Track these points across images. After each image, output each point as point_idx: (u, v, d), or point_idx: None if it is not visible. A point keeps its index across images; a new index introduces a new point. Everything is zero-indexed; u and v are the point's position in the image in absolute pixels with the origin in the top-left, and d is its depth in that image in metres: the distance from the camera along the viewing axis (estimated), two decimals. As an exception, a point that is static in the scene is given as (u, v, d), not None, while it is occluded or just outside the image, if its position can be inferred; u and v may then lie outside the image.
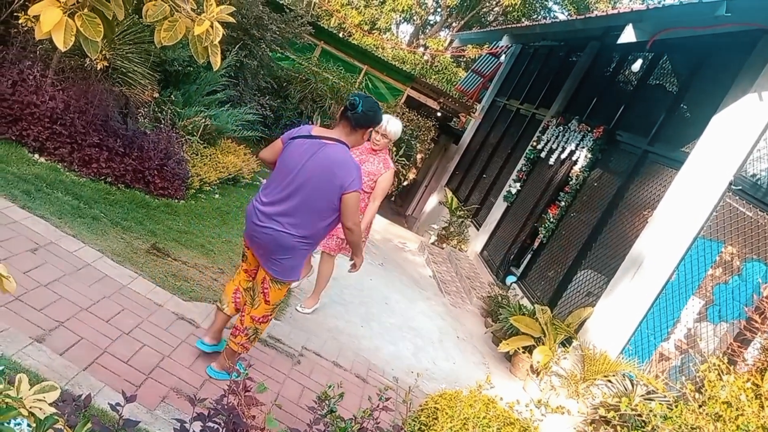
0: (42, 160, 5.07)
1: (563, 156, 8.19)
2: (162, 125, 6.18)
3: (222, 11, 4.88)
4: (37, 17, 4.29)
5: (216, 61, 4.97)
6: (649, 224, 5.93)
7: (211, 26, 4.89)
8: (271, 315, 3.50)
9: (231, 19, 4.78)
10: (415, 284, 7.60)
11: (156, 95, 6.65)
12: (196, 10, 4.87)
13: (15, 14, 5.67)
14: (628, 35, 6.04)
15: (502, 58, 12.80)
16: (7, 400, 1.27)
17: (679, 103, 6.63)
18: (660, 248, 5.65)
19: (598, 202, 7.17)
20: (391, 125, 4.87)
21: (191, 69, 7.34)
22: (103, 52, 5.74)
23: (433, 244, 9.87)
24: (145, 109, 6.49)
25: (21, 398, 1.31)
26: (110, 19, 4.59)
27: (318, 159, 3.26)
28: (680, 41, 6.38)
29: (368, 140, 4.80)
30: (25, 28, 5.64)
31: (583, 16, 8.05)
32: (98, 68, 5.74)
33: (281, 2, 11.43)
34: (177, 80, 7.28)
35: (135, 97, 6.21)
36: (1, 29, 5.79)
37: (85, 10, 4.53)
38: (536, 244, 7.89)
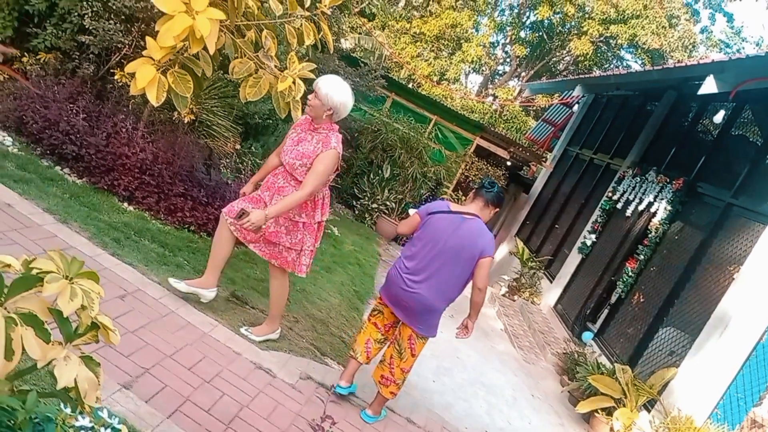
0: (131, 208, 5.33)
1: (641, 208, 7.97)
2: (243, 176, 6.41)
3: (304, 68, 5.02)
4: (132, 74, 4.54)
5: (297, 116, 5.11)
6: (735, 281, 5.64)
7: (294, 83, 5.05)
8: (414, 363, 4.07)
9: (312, 76, 4.92)
10: (486, 337, 7.45)
11: (238, 147, 6.93)
12: (279, 67, 5.04)
13: (111, 71, 6.09)
14: (708, 86, 5.90)
15: (575, 107, 12.68)
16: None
17: (765, 154, 6.37)
18: (749, 307, 5.36)
19: (679, 256, 6.90)
20: (323, 83, 3.93)
21: (270, 122, 7.63)
22: (190, 106, 6.06)
23: (503, 295, 9.69)
24: (228, 160, 6.76)
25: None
26: (199, 76, 4.81)
27: (462, 231, 3.80)
28: (765, 91, 6.17)
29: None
30: (120, 84, 6.05)
31: (660, 67, 7.92)
32: (185, 121, 6.05)
33: (355, 57, 11.79)
34: (257, 132, 7.58)
35: (218, 149, 6.49)
36: (99, 85, 6.22)
37: (176, 67, 4.76)
38: (613, 298, 7.62)
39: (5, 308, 1.46)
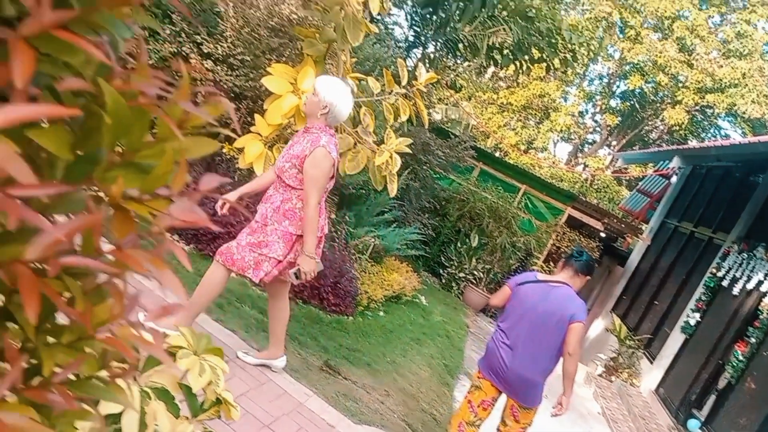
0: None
1: (749, 286, 7.46)
2: (336, 244, 6.55)
3: (401, 143, 5.13)
4: (240, 149, 4.77)
5: (393, 189, 5.18)
6: None
7: (390, 157, 5.15)
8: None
9: (408, 150, 5.00)
10: (583, 421, 7.05)
11: (332, 216, 7.12)
12: (376, 141, 5.19)
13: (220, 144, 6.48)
14: (825, 159, 5.55)
15: (672, 179, 12.25)
16: None
17: None
18: None
19: (797, 340, 6.36)
20: (320, 80, 3.74)
21: (363, 191, 7.82)
22: (291, 178, 6.31)
23: (600, 375, 9.21)
24: (323, 230, 6.95)
25: None
26: (302, 150, 4.94)
27: (551, 299, 3.81)
28: None
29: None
30: (228, 157, 6.41)
31: (766, 138, 7.56)
32: (286, 192, 6.30)
33: (446, 128, 12.00)
34: (350, 202, 7.77)
35: (315, 218, 6.69)
36: (208, 158, 6.61)
37: (282, 142, 4.96)
38: (722, 383, 7.08)
39: (139, 383, 1.54)
